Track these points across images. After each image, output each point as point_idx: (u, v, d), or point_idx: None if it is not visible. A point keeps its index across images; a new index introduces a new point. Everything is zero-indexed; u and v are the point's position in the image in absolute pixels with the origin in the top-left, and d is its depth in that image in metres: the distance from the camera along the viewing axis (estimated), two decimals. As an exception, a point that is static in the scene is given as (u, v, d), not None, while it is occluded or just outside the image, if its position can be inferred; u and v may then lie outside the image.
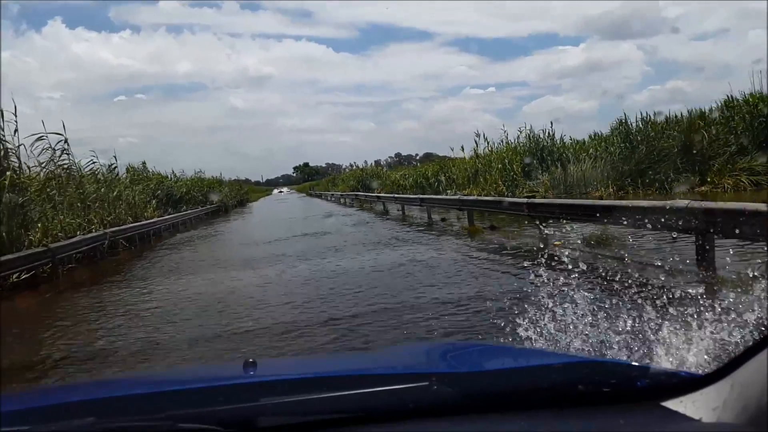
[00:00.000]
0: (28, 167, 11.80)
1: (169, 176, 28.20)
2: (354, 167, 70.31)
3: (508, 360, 1.43)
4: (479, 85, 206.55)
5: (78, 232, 11.02)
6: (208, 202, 32.05)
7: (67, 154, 13.17)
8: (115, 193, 14.59)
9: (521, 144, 20.89)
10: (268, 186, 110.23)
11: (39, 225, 9.58)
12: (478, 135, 21.89)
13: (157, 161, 32.84)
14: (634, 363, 1.18)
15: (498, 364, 1.32)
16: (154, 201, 18.54)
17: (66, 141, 12.98)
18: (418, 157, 63.77)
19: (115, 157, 17.82)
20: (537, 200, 9.55)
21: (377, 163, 48.06)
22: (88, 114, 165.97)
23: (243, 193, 49.88)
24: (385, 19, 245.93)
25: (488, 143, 21.67)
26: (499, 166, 19.72)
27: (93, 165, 15.66)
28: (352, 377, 1.16)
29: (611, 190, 15.46)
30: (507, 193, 18.31)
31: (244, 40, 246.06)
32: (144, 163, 29.35)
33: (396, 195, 20.30)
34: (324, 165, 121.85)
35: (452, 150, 24.99)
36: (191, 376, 1.62)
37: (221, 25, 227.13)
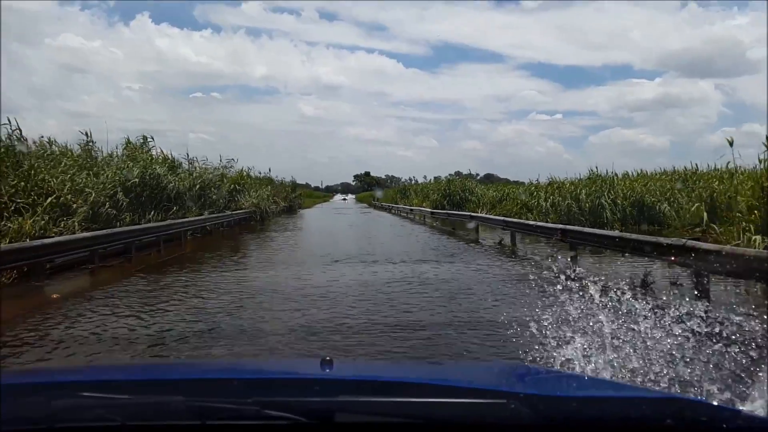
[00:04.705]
0: None
1: (162, 158, 17.62)
2: (413, 181, 59.68)
3: (592, 389, 1.33)
4: (546, 111, 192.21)
5: None
6: (234, 206, 21.44)
7: None
8: None
9: None
10: (326, 192, 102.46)
11: None
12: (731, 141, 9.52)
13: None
14: (725, 405, 1.21)
15: (583, 392, 1.24)
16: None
17: None
18: (478, 177, 56.47)
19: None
20: None
21: (437, 179, 42.12)
22: (164, 107, 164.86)
23: (294, 198, 39.17)
24: (460, 38, 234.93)
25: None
26: None
27: None
28: (429, 385, 1.14)
29: None
30: None
31: (318, 48, 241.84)
32: (145, 137, 19.26)
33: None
34: (383, 176, 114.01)
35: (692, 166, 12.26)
36: (274, 368, 1.70)
37: (298, 32, 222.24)
